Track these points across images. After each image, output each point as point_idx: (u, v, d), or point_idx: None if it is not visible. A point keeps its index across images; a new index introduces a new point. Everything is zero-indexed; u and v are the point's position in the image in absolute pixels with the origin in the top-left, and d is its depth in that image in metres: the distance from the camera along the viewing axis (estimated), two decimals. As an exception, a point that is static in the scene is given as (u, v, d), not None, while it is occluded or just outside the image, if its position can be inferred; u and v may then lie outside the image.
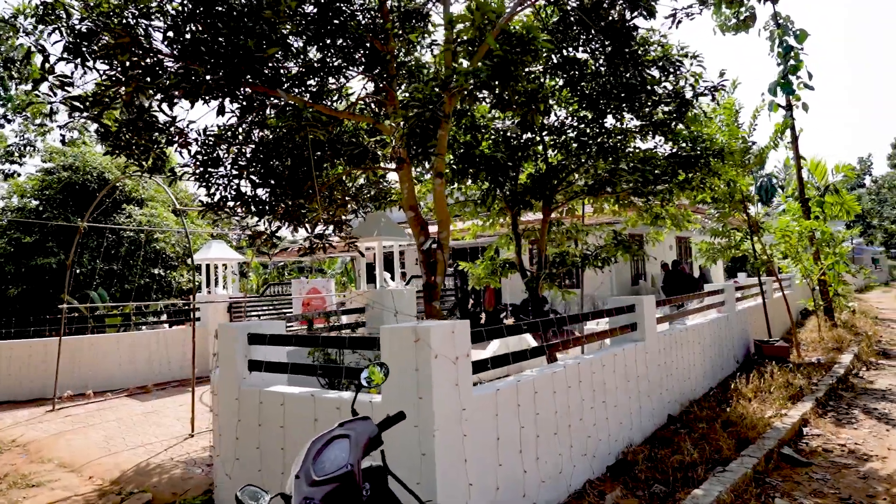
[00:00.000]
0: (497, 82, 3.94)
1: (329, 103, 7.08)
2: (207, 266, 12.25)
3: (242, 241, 31.38)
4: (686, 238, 21.22)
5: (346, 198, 7.82)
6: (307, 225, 7.30)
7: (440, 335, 3.24)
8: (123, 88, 5.18)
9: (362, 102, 7.13)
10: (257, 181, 6.79)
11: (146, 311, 13.03)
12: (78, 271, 12.87)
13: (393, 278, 8.70)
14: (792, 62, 13.47)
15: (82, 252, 13.41)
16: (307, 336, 3.95)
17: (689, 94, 5.75)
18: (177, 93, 4.85)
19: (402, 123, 4.84)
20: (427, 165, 7.41)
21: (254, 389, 4.10)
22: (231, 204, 6.72)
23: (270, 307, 12.92)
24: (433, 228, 7.25)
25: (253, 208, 6.79)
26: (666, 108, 5.78)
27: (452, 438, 3.27)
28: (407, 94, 7.30)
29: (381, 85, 6.64)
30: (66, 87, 5.46)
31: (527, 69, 4.55)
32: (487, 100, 5.59)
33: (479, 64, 4.12)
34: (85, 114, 5.45)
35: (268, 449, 3.96)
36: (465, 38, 4.14)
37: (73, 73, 5.43)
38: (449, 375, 3.29)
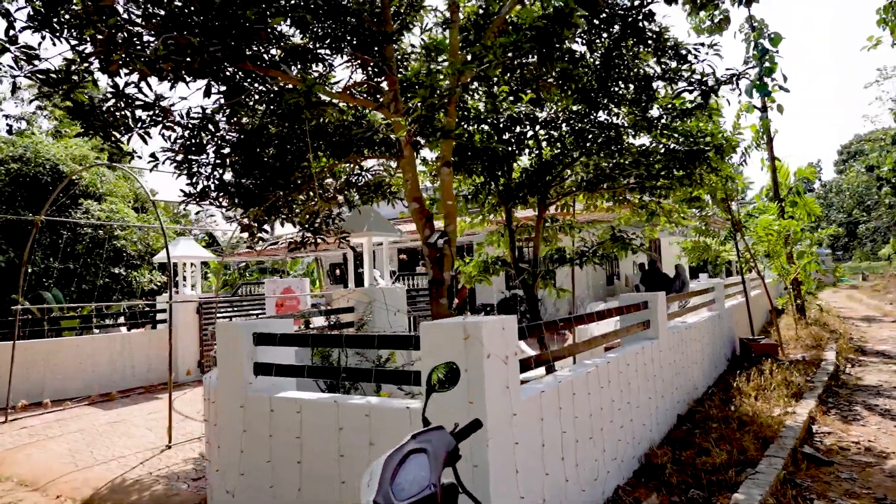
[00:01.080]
0: (536, 56, 3.63)
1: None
2: (175, 265, 11.51)
3: (202, 240, 30.20)
4: (656, 238, 21.46)
5: (343, 188, 7.36)
6: (294, 219, 6.84)
7: (491, 332, 2.90)
8: (97, 62, 4.64)
9: (349, 91, 6.75)
10: (241, 170, 6.29)
11: (107, 312, 12.15)
12: (30, 270, 11.91)
13: (382, 276, 8.29)
14: (767, 64, 13.69)
15: (34, 250, 12.43)
16: (327, 335, 3.53)
17: (710, 82, 5.58)
18: (165, 66, 4.34)
19: (419, 104, 4.47)
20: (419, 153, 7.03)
21: (263, 396, 3.66)
22: (214, 194, 6.20)
23: (242, 308, 12.25)
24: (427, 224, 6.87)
25: (237, 199, 6.29)
26: (690, 97, 5.60)
27: (505, 447, 2.93)
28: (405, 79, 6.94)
29: (377, 69, 6.26)
30: (32, 61, 4.89)
31: (566, 44, 4.28)
32: (514, 78, 5.30)
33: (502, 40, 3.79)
34: (55, 89, 4.88)
35: (281, 462, 3.53)
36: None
37: (39, 44, 4.87)
38: (500, 376, 2.95)
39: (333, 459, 3.29)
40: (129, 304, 12.19)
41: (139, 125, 4.65)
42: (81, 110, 4.98)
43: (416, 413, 3.02)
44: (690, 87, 5.41)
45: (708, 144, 7.16)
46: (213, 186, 6.16)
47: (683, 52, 5.51)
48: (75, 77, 4.89)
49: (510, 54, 3.64)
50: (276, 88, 5.97)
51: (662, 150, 7.27)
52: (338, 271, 20.89)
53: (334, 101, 5.97)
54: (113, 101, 4.73)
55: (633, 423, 4.80)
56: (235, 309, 12.10)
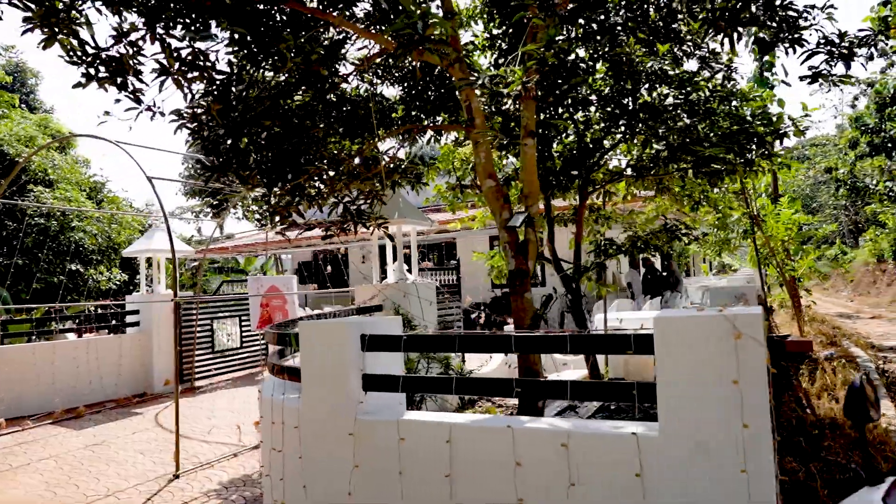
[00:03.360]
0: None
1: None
2: (149, 260, 10.11)
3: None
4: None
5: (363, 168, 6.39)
6: (322, 201, 5.84)
7: (762, 328, 2.11)
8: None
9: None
10: (264, 143, 5.26)
11: (67, 315, 10.56)
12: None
13: (410, 270, 7.36)
14: (766, 58, 13.56)
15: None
16: (482, 336, 2.62)
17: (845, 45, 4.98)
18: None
19: (542, 49, 3.60)
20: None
21: (386, 421, 2.72)
22: (235, 167, 5.13)
23: (219, 308, 10.91)
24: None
25: (260, 176, 5.23)
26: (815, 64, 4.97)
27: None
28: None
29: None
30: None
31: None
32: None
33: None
34: (47, 22, 3.75)
35: (418, 509, 2.61)
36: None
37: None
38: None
39: (506, 506, 2.40)
40: (95, 304, 10.65)
41: (178, 66, 3.57)
42: (84, 51, 3.86)
43: (650, 443, 2.19)
44: (821, 51, 4.77)
45: (769, 127, 6.70)
46: (233, 158, 5.10)
47: (793, 14, 4.90)
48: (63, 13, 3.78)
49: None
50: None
51: (721, 133, 6.75)
52: (329, 269, 19.55)
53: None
54: (134, 37, 3.64)
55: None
56: (210, 309, 10.74)
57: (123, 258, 12.98)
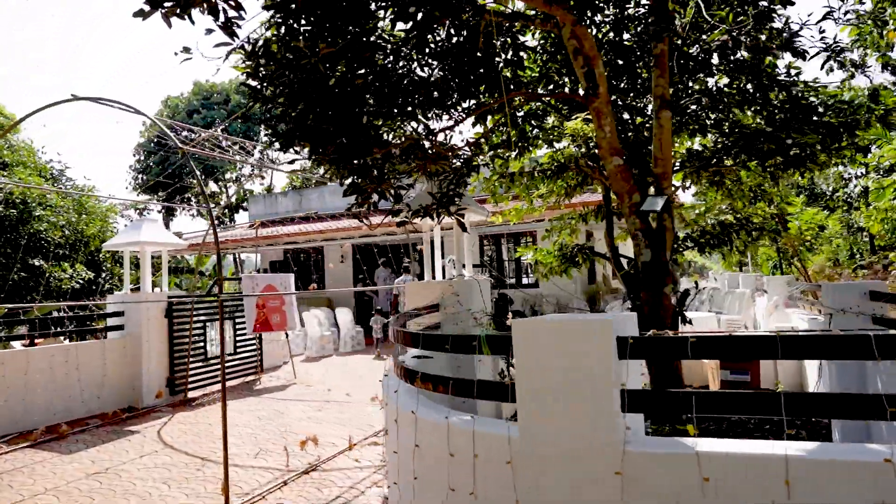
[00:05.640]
0: None
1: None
2: (136, 256, 8.83)
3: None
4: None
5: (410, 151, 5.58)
6: (390, 186, 5.00)
7: None
8: None
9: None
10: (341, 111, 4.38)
11: (29, 317, 9.11)
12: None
13: (464, 266, 6.58)
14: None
15: None
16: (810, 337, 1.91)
17: None
18: None
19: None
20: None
21: (678, 454, 1.98)
22: (303, 141, 4.23)
23: (205, 310, 9.73)
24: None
25: (330, 152, 4.34)
26: None
27: None
28: None
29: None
30: None
31: None
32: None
33: None
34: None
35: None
36: None
37: None
38: None
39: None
40: (69, 304, 9.22)
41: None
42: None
43: None
44: None
45: (846, 117, 6.39)
46: (312, 125, 4.21)
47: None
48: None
49: None
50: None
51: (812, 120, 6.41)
52: (332, 265, 18.30)
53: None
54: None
55: None
56: (202, 311, 9.55)
57: (88, 254, 11.46)
